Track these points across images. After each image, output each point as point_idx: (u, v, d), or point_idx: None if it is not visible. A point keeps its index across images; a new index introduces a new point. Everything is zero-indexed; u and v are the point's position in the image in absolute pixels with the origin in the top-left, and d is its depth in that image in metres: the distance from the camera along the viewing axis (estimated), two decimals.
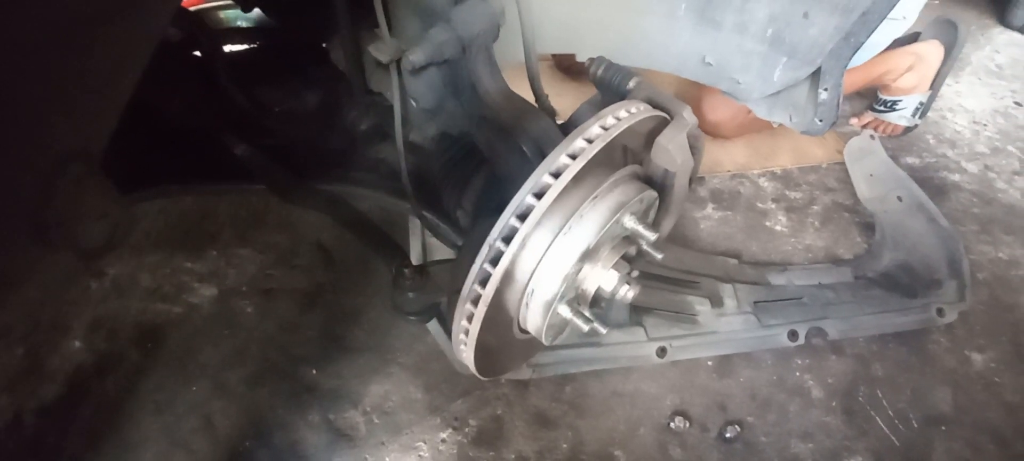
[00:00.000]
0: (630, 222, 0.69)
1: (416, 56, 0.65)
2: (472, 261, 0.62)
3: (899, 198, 1.72)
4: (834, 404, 1.35)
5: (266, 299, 1.49)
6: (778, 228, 1.75)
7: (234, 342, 1.40)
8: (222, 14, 1.31)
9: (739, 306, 1.43)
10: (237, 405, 1.30)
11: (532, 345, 0.87)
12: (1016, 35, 2.85)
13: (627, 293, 0.73)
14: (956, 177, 2.01)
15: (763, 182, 1.91)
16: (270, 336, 1.42)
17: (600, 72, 0.77)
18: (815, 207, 1.83)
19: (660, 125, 0.72)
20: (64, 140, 0.73)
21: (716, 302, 1.43)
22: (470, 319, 0.63)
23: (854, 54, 0.96)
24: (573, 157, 0.59)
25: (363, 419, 1.28)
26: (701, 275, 1.50)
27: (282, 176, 0.86)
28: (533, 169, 0.67)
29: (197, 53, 0.95)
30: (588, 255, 0.67)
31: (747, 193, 1.87)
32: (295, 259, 1.58)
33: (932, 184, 1.94)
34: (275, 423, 1.27)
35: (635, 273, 0.75)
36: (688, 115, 0.72)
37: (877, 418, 1.33)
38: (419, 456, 1.23)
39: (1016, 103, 2.41)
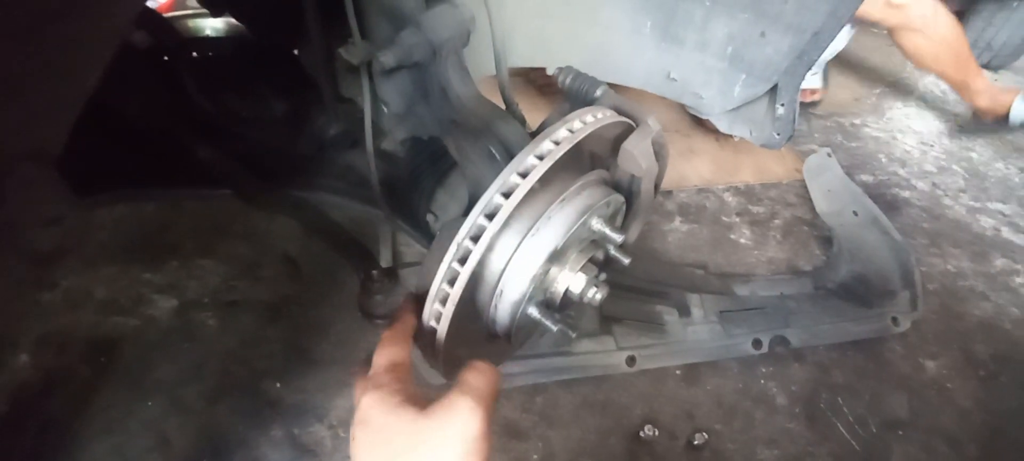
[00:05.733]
0: (597, 225, 0.70)
1: (387, 58, 0.65)
2: (438, 261, 0.62)
3: (855, 212, 1.80)
4: (797, 411, 1.38)
5: (229, 312, 1.45)
6: (742, 241, 1.81)
7: (193, 356, 1.35)
8: (190, 23, 1.30)
9: (705, 316, 1.46)
10: (195, 422, 1.25)
11: (502, 352, 0.87)
12: None
13: (595, 295, 0.74)
14: (906, 194, 2.12)
15: (727, 197, 1.97)
16: (232, 350, 1.38)
17: (568, 81, 0.79)
18: (776, 221, 1.89)
19: (626, 132, 0.74)
20: (15, 139, 0.70)
21: (683, 312, 1.46)
22: (438, 319, 0.63)
23: (808, 71, 1.02)
24: (541, 158, 0.60)
25: (329, 433, 1.25)
26: (669, 285, 1.53)
27: (249, 181, 0.84)
28: (502, 171, 0.67)
29: (164, 57, 0.93)
30: (556, 256, 0.68)
31: (712, 207, 1.92)
32: (260, 270, 1.54)
33: (885, 200, 2.04)
34: (235, 440, 1.23)
35: (603, 276, 0.76)
36: (653, 122, 0.74)
37: (838, 424, 1.37)
38: None
39: (959, 126, 2.57)
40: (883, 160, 2.27)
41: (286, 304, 1.47)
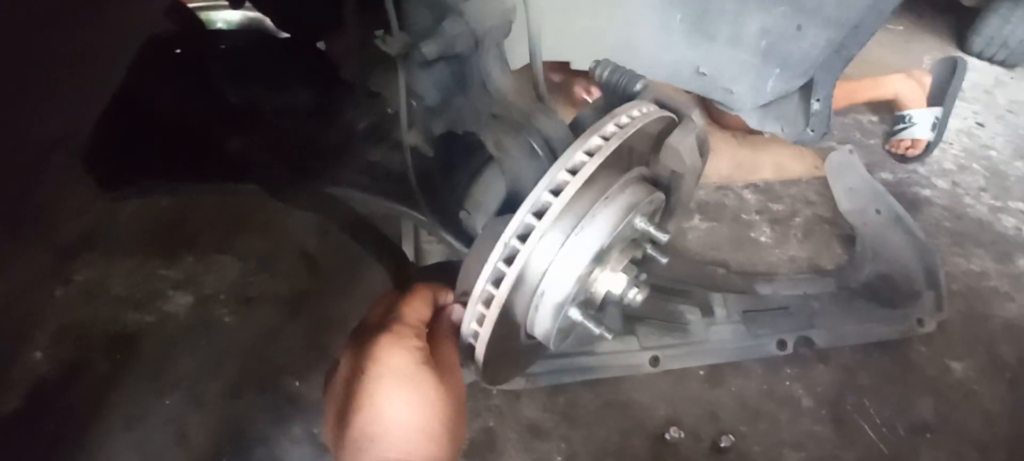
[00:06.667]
0: (641, 223, 0.68)
1: (429, 48, 0.63)
2: (482, 261, 0.60)
3: (877, 211, 1.77)
4: (823, 413, 1.36)
5: (246, 307, 1.43)
6: (763, 239, 1.78)
7: (211, 352, 1.33)
8: (204, 16, 1.27)
9: (729, 315, 1.44)
10: (214, 418, 1.23)
11: (533, 352, 0.85)
12: (975, 61, 3.00)
13: (636, 296, 0.72)
14: (927, 192, 2.09)
15: (747, 194, 1.94)
16: (250, 345, 1.36)
17: (606, 75, 0.76)
18: (797, 219, 1.87)
19: (669, 127, 0.71)
20: (43, 128, 0.68)
21: (706, 311, 1.43)
22: (481, 322, 0.61)
23: (846, 66, 0.99)
24: (590, 154, 0.58)
25: None
26: (691, 284, 1.50)
27: (277, 174, 0.82)
28: (545, 167, 0.65)
29: (190, 48, 0.91)
30: (600, 257, 0.66)
31: (732, 205, 1.89)
32: (277, 265, 1.53)
33: (905, 199, 2.01)
34: (255, 437, 1.21)
35: (643, 276, 0.74)
36: (697, 117, 0.71)
37: (865, 427, 1.35)
38: None
39: (978, 124, 2.54)
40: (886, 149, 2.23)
41: (304, 299, 1.46)
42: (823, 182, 1.97)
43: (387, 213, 1.00)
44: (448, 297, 0.66)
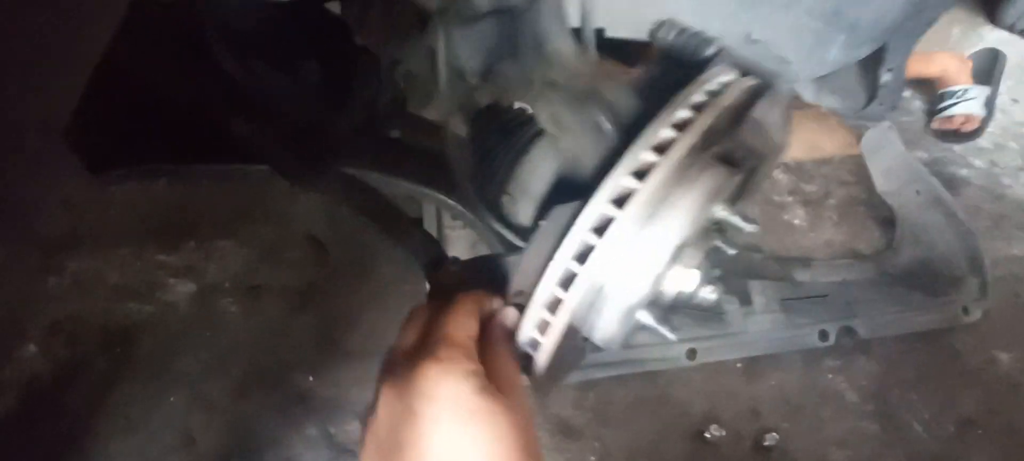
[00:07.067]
0: (723, 213, 0.58)
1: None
2: (545, 257, 0.51)
3: (917, 192, 1.67)
4: (869, 409, 1.28)
5: (252, 298, 1.34)
6: (796, 222, 1.69)
7: (216, 347, 1.25)
8: None
9: (767, 304, 1.35)
10: (221, 419, 1.15)
11: (579, 355, 0.75)
12: (1005, 34, 2.87)
13: (710, 295, 0.63)
14: (964, 172, 1.99)
15: (777, 174, 1.84)
16: (257, 339, 1.27)
17: (671, 37, 0.66)
18: (831, 200, 1.77)
19: (751, 97, 0.61)
20: (18, 108, 0.58)
21: (744, 300, 1.35)
22: (543, 330, 0.51)
23: (927, 30, 0.88)
24: (679, 128, 0.48)
25: None
26: (726, 269, 1.41)
27: (289, 156, 0.72)
28: (612, 146, 0.55)
29: (180, 11, 0.80)
30: (678, 252, 0.56)
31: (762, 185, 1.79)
32: (283, 253, 1.43)
33: (941, 178, 1.90)
34: (266, 438, 1.13)
35: (716, 271, 0.64)
36: (785, 86, 0.61)
37: (913, 423, 1.27)
38: None
39: (1013, 100, 2.42)
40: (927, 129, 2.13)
41: (312, 290, 1.37)
42: (857, 161, 1.87)
43: (406, 195, 0.91)
44: (494, 303, 0.55)
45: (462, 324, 0.48)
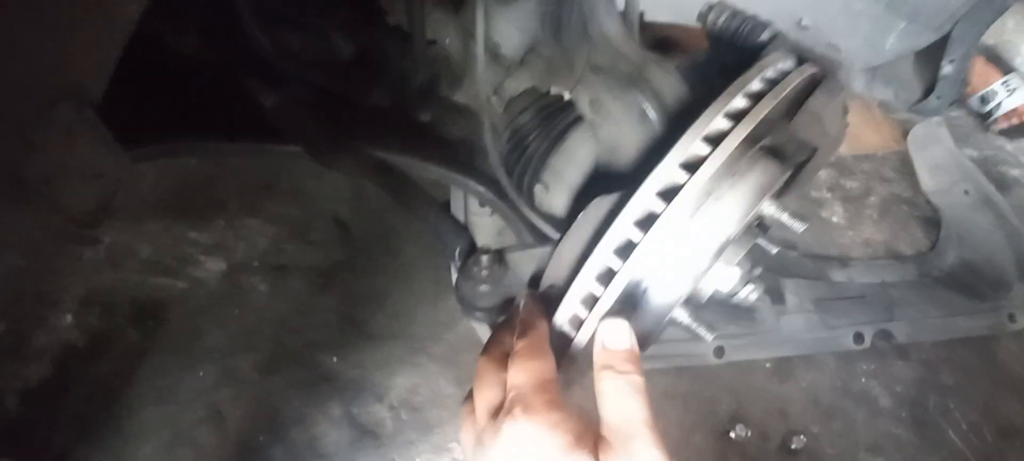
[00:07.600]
0: (771, 209, 0.54)
1: None
2: (580, 249, 0.48)
3: (966, 191, 1.59)
4: (904, 414, 1.24)
5: (279, 276, 1.35)
6: (834, 219, 1.62)
7: (244, 323, 1.26)
8: None
9: (801, 303, 1.30)
10: (248, 394, 1.17)
11: None
12: None
13: (750, 294, 0.60)
14: (1015, 172, 1.88)
15: None
16: (283, 318, 1.28)
17: (721, 21, 0.62)
18: (872, 198, 1.69)
19: (807, 87, 0.57)
20: (51, 76, 0.58)
21: (776, 298, 1.30)
22: (578, 326, 0.49)
23: (996, 19, 0.82)
24: (735, 118, 0.45)
25: (390, 414, 1.16)
26: (759, 266, 1.37)
27: (318, 135, 0.71)
28: (657, 134, 0.52)
29: None
30: (722, 250, 0.53)
31: None
32: (309, 233, 1.43)
33: (991, 178, 1.81)
34: (291, 416, 1.14)
35: (758, 270, 0.61)
36: (843, 76, 0.57)
37: (949, 430, 1.22)
38: (453, 459, 1.11)
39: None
40: (986, 133, 2.02)
41: (338, 270, 1.37)
42: (900, 157, 1.78)
43: (433, 180, 0.89)
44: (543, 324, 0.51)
45: (531, 369, 0.45)
